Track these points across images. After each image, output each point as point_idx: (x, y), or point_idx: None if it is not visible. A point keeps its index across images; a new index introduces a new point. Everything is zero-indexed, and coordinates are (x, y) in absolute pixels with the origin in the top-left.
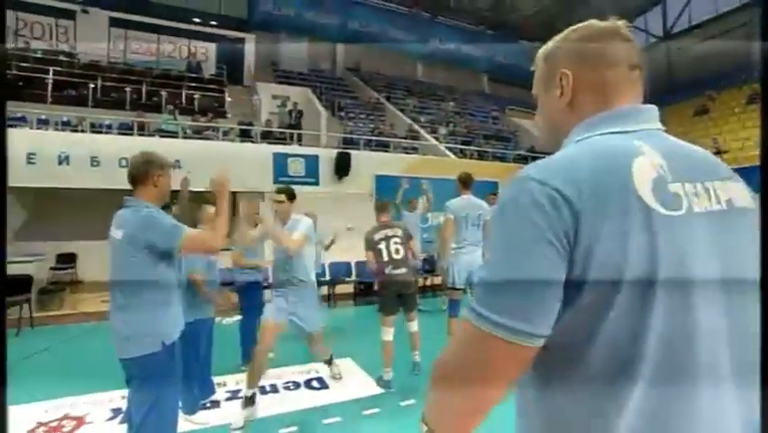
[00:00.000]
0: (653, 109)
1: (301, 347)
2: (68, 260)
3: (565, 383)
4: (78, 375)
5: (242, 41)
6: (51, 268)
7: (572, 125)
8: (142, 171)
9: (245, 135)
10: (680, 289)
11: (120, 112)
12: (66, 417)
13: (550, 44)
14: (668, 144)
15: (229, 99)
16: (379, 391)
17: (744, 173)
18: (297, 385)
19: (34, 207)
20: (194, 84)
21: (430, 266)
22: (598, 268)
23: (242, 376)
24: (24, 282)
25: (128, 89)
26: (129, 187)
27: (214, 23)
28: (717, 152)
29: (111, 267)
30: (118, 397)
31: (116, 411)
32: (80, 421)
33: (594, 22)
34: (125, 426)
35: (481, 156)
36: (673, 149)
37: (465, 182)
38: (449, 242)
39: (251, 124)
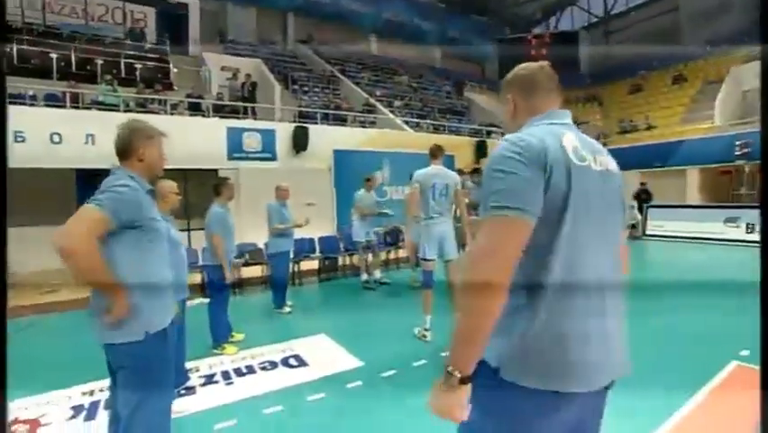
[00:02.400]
0: (568, 112)
1: (271, 325)
2: None
3: (531, 246)
4: (26, 375)
5: (184, 6)
6: None
7: (521, 123)
8: (126, 143)
9: (195, 109)
10: (583, 199)
11: (46, 81)
12: (16, 420)
13: (505, 78)
14: (576, 132)
15: (175, 70)
16: (358, 364)
17: (668, 148)
18: (273, 364)
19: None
20: (133, 52)
21: (392, 239)
22: (553, 186)
23: (215, 360)
24: None
25: (54, 55)
26: (61, 166)
27: None
28: (648, 128)
29: None
30: (78, 393)
31: (77, 409)
32: (35, 424)
33: (530, 64)
34: (92, 422)
35: (437, 129)
36: (579, 135)
37: (434, 153)
38: (413, 212)
39: (200, 97)
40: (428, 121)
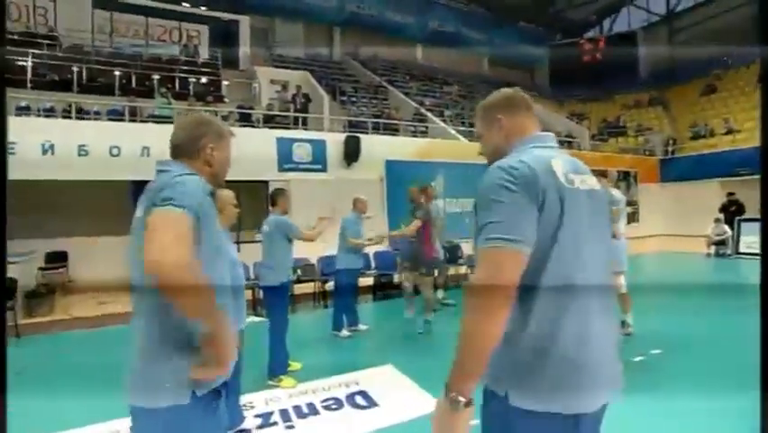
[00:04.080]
0: (552, 135)
1: (330, 352)
2: (58, 259)
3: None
4: (74, 399)
5: (235, 23)
6: (40, 268)
7: (506, 147)
8: (193, 138)
9: (245, 120)
10: (575, 218)
11: (108, 98)
12: None
13: (486, 101)
14: (563, 155)
15: (226, 83)
16: None
17: (756, 153)
18: (338, 403)
19: (17, 202)
20: (187, 68)
21: (451, 256)
22: (546, 209)
23: (271, 394)
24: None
25: (117, 73)
26: (118, 178)
27: (204, 6)
28: (729, 132)
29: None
30: (126, 429)
31: None
32: None
33: (505, 90)
34: None
35: None
36: (566, 157)
37: None
38: None
39: (250, 108)
40: None
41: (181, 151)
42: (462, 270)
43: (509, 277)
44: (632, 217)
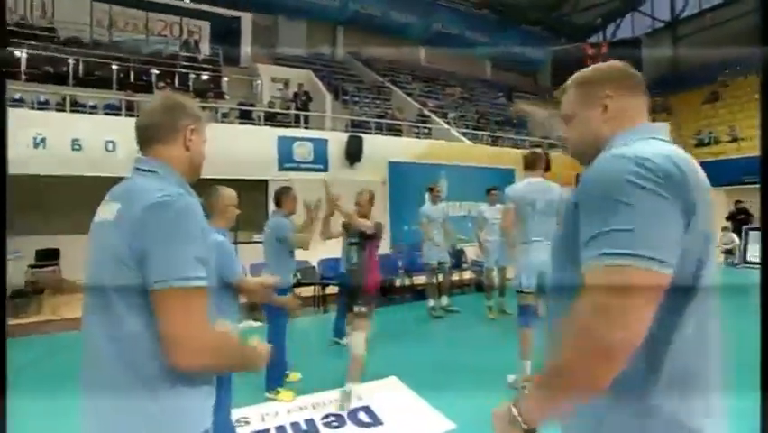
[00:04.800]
0: (666, 125)
1: (330, 362)
2: (49, 257)
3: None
4: (66, 405)
5: (237, 20)
6: (30, 266)
7: (608, 135)
8: (170, 119)
9: (245, 118)
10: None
11: (105, 91)
12: None
13: (586, 73)
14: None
15: (226, 80)
16: (448, 426)
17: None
18: (340, 420)
19: (7, 197)
20: (188, 63)
21: (456, 261)
22: (692, 230)
23: (268, 408)
24: None
25: (114, 67)
26: (117, 175)
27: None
28: (734, 140)
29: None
30: None
31: None
32: None
33: (614, 62)
34: None
35: (495, 141)
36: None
37: (531, 163)
38: (510, 234)
39: (251, 105)
40: (486, 132)
41: (156, 135)
42: (466, 275)
43: (644, 308)
44: None
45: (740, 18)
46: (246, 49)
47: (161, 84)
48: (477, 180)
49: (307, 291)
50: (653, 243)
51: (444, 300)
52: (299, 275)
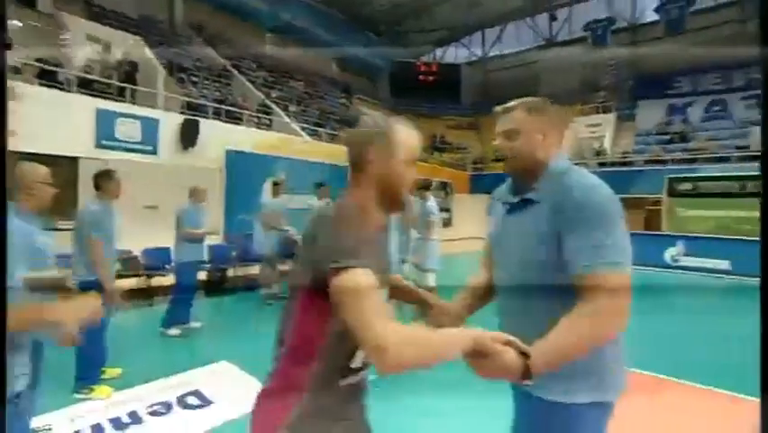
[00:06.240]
0: None
1: (157, 354)
2: None
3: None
4: None
5: None
6: None
7: (543, 156)
8: None
9: (47, 78)
10: None
11: None
12: None
13: (536, 102)
14: None
15: (18, 24)
16: None
17: None
18: (167, 407)
19: None
20: None
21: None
22: None
23: (79, 408)
24: None
25: None
26: None
27: None
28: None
29: None
30: None
31: None
32: None
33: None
34: None
35: (333, 139)
36: None
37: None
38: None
39: (57, 65)
40: (327, 130)
41: None
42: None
43: (629, 300)
44: (447, 223)
45: (526, 65)
46: None
47: None
48: (314, 175)
49: (129, 284)
50: (628, 256)
51: (276, 288)
52: (119, 266)
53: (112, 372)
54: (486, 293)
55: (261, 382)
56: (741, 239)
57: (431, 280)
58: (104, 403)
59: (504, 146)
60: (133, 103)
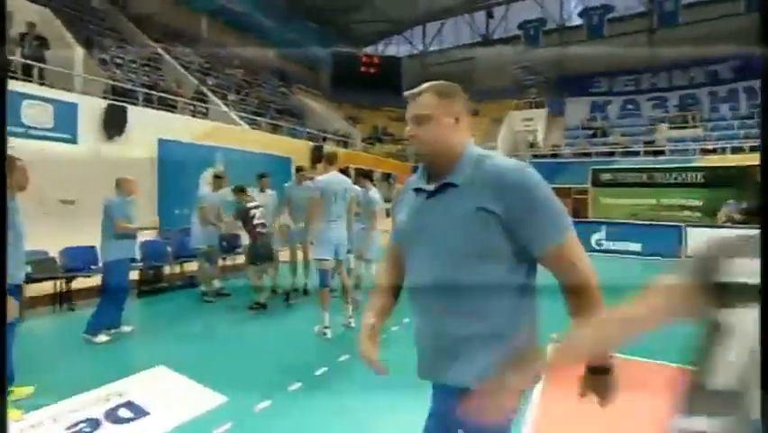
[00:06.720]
0: None
1: (81, 364)
2: None
3: None
4: None
5: None
6: None
7: (457, 141)
8: None
9: None
10: None
11: None
12: None
13: (446, 86)
14: None
15: None
16: (220, 400)
17: None
18: (94, 424)
19: None
20: None
21: (230, 245)
22: None
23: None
24: None
25: None
26: None
27: None
28: None
29: None
30: None
31: None
32: None
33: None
34: None
35: (274, 129)
36: None
37: (331, 159)
38: (316, 219)
39: None
40: (266, 120)
41: None
42: (240, 260)
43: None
44: (388, 213)
45: (464, 61)
46: None
47: None
48: (253, 166)
49: (47, 288)
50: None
51: (217, 284)
52: (29, 268)
53: (21, 391)
54: (396, 295)
55: (204, 385)
56: (650, 224)
57: (373, 270)
58: (17, 427)
59: (415, 132)
60: (42, 84)
